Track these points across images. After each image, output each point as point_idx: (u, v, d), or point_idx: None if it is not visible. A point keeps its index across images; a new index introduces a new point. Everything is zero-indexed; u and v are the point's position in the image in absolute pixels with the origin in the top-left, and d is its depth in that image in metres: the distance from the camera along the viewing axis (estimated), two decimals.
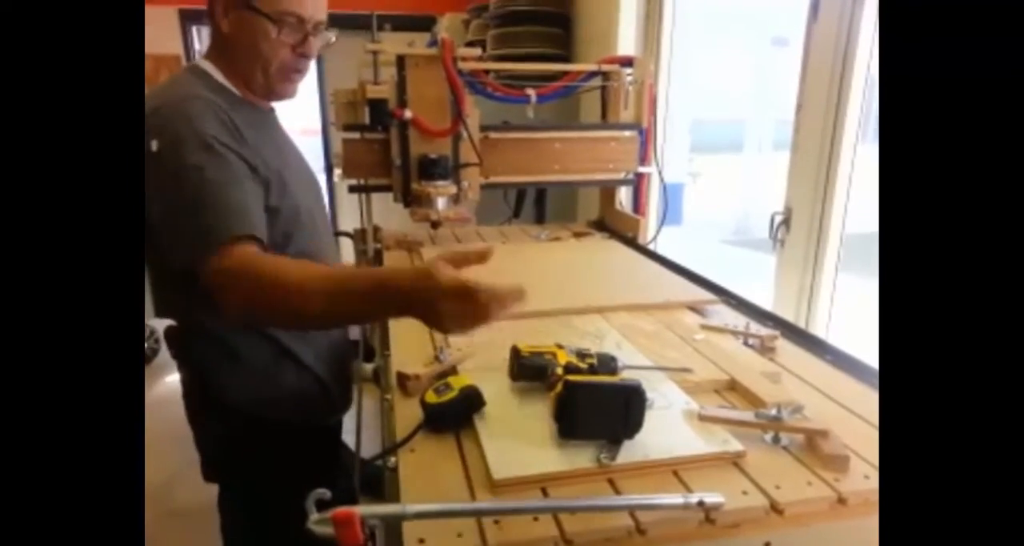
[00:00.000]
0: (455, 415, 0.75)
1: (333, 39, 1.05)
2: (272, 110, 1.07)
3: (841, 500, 0.63)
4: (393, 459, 0.71)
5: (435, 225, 1.64)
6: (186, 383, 1.05)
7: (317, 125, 4.36)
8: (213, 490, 1.12)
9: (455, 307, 0.67)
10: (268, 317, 0.85)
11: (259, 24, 0.93)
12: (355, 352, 1.22)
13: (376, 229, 1.73)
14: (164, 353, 1.22)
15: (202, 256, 0.79)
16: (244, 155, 0.89)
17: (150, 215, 0.84)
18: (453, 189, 1.60)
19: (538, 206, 2.27)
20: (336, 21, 1.05)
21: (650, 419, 0.70)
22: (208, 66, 0.98)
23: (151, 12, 4.10)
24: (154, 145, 0.83)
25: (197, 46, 4.55)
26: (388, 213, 1.86)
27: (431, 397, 0.76)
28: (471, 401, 0.76)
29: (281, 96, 1.03)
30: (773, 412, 0.73)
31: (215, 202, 0.82)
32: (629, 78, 1.81)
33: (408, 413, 0.79)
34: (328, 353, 1.11)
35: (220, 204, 0.82)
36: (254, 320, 0.91)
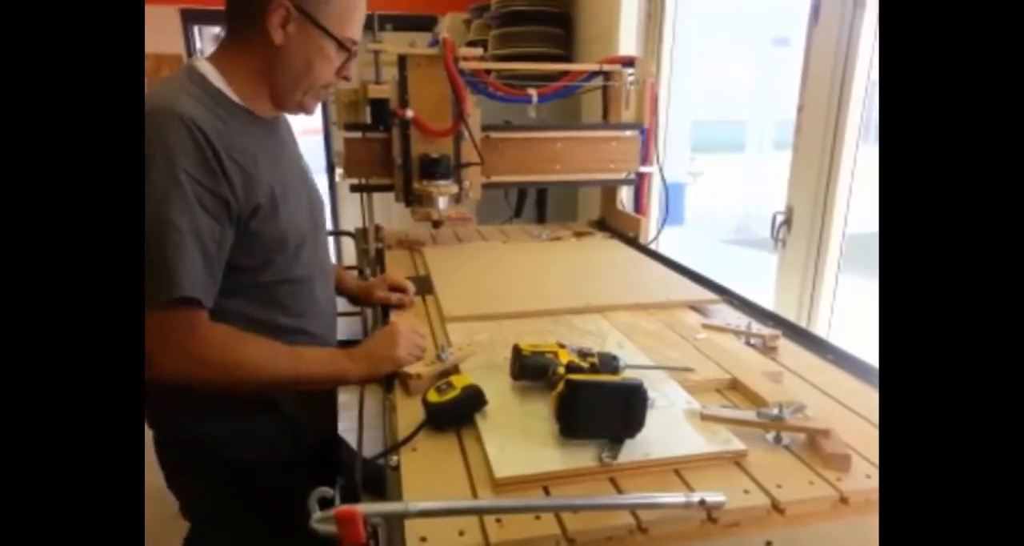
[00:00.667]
0: (457, 414, 0.75)
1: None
2: (277, 117, 0.99)
3: (843, 499, 0.63)
4: (395, 458, 0.71)
5: (436, 224, 1.64)
6: (157, 435, 0.99)
7: (319, 124, 4.37)
8: None
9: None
10: (197, 385, 0.83)
11: (322, 44, 0.89)
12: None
13: (377, 228, 1.73)
14: None
15: (149, 305, 0.76)
16: (218, 190, 0.82)
17: None
18: (454, 188, 1.60)
19: (539, 206, 2.27)
20: None
21: (652, 418, 0.70)
22: (207, 69, 0.89)
23: (153, 11, 4.11)
24: None
25: (199, 45, 4.55)
26: (389, 212, 1.86)
27: (433, 396, 0.76)
28: (473, 400, 0.76)
29: (307, 112, 0.98)
30: (775, 411, 0.73)
31: (164, 253, 0.77)
32: (630, 78, 1.81)
33: (410, 412, 0.80)
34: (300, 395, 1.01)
35: (170, 257, 0.77)
36: (180, 384, 0.84)
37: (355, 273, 1.36)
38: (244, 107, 0.90)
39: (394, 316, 1.17)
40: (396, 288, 1.24)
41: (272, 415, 0.98)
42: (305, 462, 1.04)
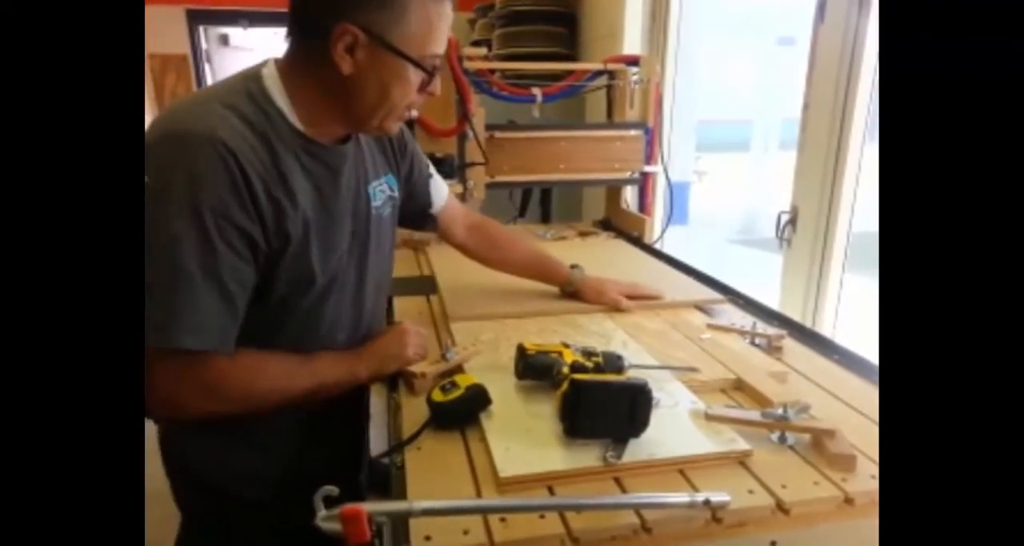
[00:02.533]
0: (461, 413, 0.76)
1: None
2: (345, 148, 0.87)
3: (848, 500, 0.63)
4: (400, 457, 0.71)
5: None
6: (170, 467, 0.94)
7: None
8: None
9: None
10: (219, 417, 0.80)
11: (398, 68, 0.77)
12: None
13: None
14: None
15: (151, 348, 0.70)
16: (246, 228, 0.74)
17: None
18: (459, 188, 1.60)
19: (544, 205, 2.27)
20: None
21: (656, 418, 0.70)
22: (274, 85, 0.79)
23: (158, 12, 4.13)
24: (147, 179, 0.70)
25: (204, 46, 4.57)
26: None
27: (438, 395, 0.76)
28: (477, 399, 0.76)
29: (389, 133, 0.89)
30: (780, 411, 0.73)
31: (174, 298, 0.71)
32: (635, 77, 1.81)
33: (415, 411, 0.80)
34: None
35: (179, 303, 0.71)
36: (203, 419, 0.81)
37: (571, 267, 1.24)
38: (303, 134, 0.80)
39: (398, 317, 1.17)
40: (633, 297, 1.20)
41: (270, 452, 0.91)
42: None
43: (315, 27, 0.75)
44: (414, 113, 0.87)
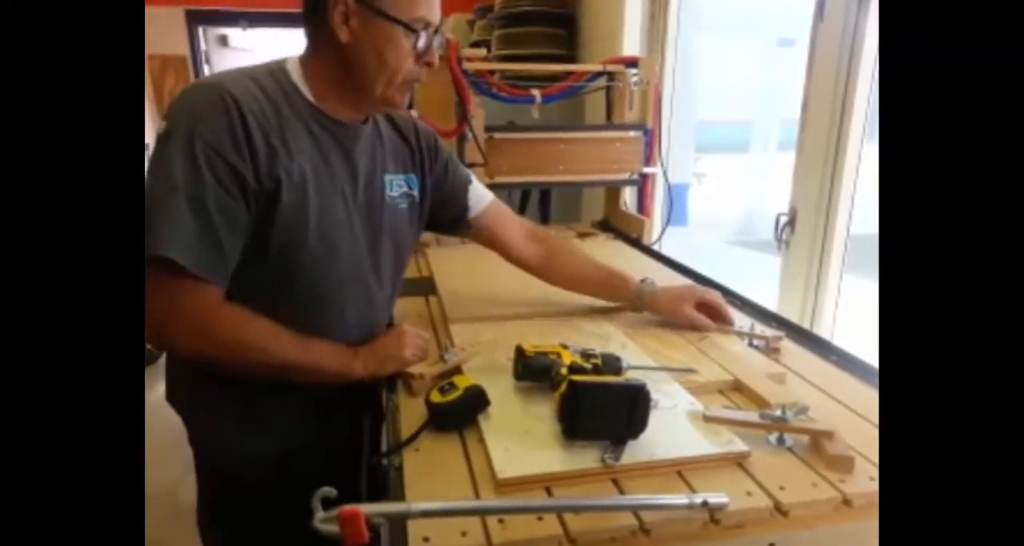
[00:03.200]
0: (460, 414, 0.76)
1: (443, 42, 0.94)
2: (359, 128, 0.93)
3: (846, 501, 0.63)
4: (398, 458, 0.71)
5: None
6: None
7: None
8: None
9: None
10: (203, 359, 0.82)
11: (390, 32, 0.83)
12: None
13: None
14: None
15: (147, 256, 0.73)
16: (237, 166, 0.79)
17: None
18: None
19: (543, 207, 2.27)
20: None
21: (655, 419, 0.70)
22: (293, 66, 0.88)
23: (158, 12, 4.13)
24: (161, 126, 0.79)
25: (203, 47, 4.57)
26: None
27: (436, 396, 0.76)
28: (476, 401, 0.76)
29: (396, 107, 0.93)
30: (778, 413, 0.73)
31: (155, 213, 0.75)
32: (634, 78, 1.81)
33: (413, 412, 0.80)
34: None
35: (160, 217, 0.75)
36: (186, 356, 0.85)
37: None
38: (317, 107, 0.88)
39: (397, 319, 1.17)
40: (705, 305, 1.08)
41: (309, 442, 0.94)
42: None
43: (316, 4, 0.84)
44: (415, 84, 0.92)
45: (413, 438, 0.73)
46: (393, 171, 0.99)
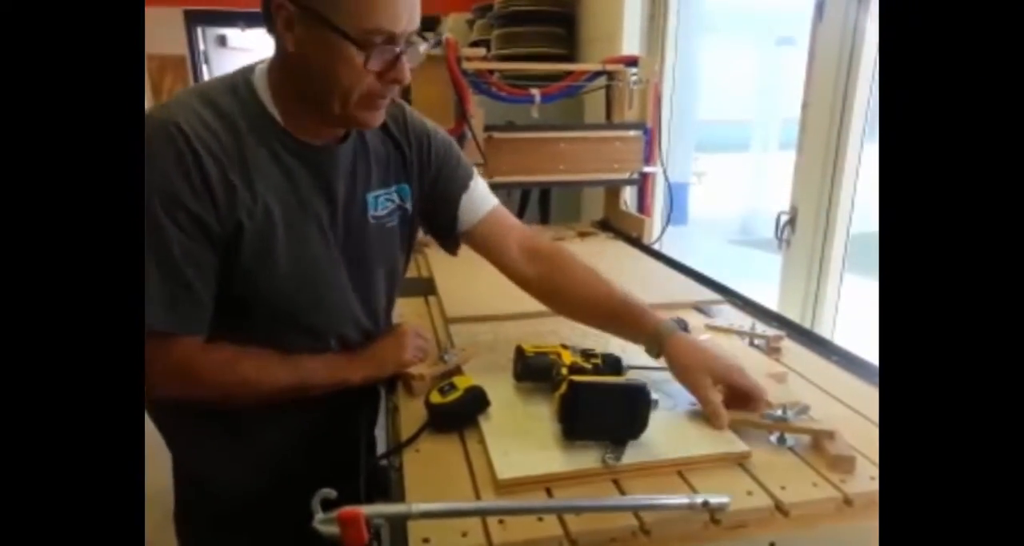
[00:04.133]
0: (460, 415, 0.75)
1: (423, 50, 0.80)
2: (339, 143, 0.83)
3: (847, 501, 0.63)
4: (398, 459, 0.71)
5: None
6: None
7: None
8: None
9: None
10: (196, 401, 0.80)
11: (338, 47, 0.70)
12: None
13: None
14: None
15: None
16: (193, 208, 0.71)
17: None
18: None
19: (542, 206, 2.27)
20: None
21: (655, 419, 0.70)
22: (261, 83, 0.78)
23: (157, 13, 4.12)
24: None
25: (201, 47, 4.57)
26: None
27: (436, 397, 0.76)
28: (476, 402, 0.76)
29: (364, 126, 0.81)
30: (779, 413, 0.72)
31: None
32: (634, 78, 1.81)
33: (413, 413, 0.79)
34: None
35: (149, 286, 0.70)
36: (181, 401, 0.81)
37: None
38: (284, 129, 0.78)
39: (396, 319, 1.16)
40: (740, 391, 0.77)
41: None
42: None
43: (265, 6, 0.73)
44: (386, 100, 0.80)
45: (413, 439, 0.73)
46: (379, 186, 0.89)
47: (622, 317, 0.89)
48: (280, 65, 0.78)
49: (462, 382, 0.77)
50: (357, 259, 0.89)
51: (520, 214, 2.27)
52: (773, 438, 0.73)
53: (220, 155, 0.73)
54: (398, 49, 0.73)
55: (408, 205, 0.94)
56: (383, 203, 0.90)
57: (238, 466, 0.90)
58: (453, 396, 0.75)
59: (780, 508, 0.62)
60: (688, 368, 0.79)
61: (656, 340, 0.83)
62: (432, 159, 0.95)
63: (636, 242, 1.78)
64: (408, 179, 0.93)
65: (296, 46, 0.73)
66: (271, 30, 0.74)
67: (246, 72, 0.80)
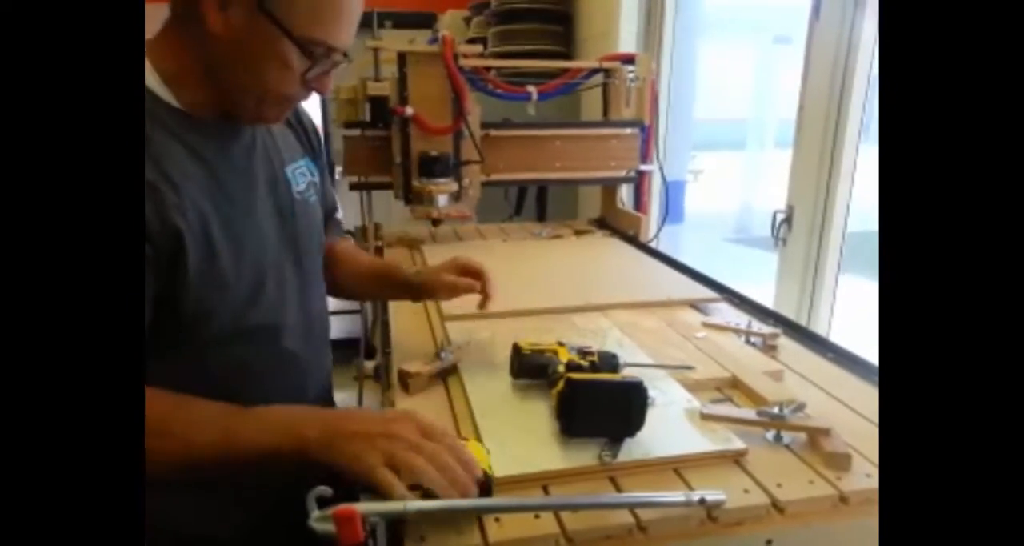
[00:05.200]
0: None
1: (344, 66, 0.74)
2: (243, 124, 0.76)
3: (843, 498, 0.63)
4: None
5: (436, 223, 1.64)
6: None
7: (318, 122, 4.36)
8: None
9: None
10: None
11: (274, 42, 0.65)
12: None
13: (377, 227, 1.73)
14: None
15: None
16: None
17: None
18: (454, 186, 1.59)
19: (539, 204, 2.27)
20: None
21: (652, 417, 0.70)
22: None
23: (156, 12, 4.10)
24: None
25: None
26: (389, 210, 1.86)
27: None
28: (479, 489, 0.58)
29: (267, 122, 0.76)
30: (775, 410, 0.73)
31: None
32: (631, 75, 1.81)
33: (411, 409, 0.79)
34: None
35: None
36: None
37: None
38: (180, 110, 0.69)
39: (393, 317, 1.16)
40: (469, 272, 0.95)
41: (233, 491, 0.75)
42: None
43: None
44: (296, 103, 0.77)
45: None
46: (291, 160, 0.82)
47: (387, 275, 1.01)
48: (183, 35, 0.68)
49: (475, 455, 0.61)
50: (294, 246, 0.81)
51: (517, 211, 2.27)
52: (769, 436, 0.73)
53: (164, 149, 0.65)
54: (335, 63, 0.71)
55: (317, 180, 0.87)
56: (299, 178, 0.83)
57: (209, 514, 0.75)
58: None
59: (776, 505, 0.62)
60: (432, 276, 0.95)
61: (408, 281, 0.98)
62: (315, 130, 0.92)
63: (633, 240, 1.78)
64: (307, 153, 0.88)
65: (226, 30, 0.65)
66: (182, 2, 0.66)
67: None
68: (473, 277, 0.94)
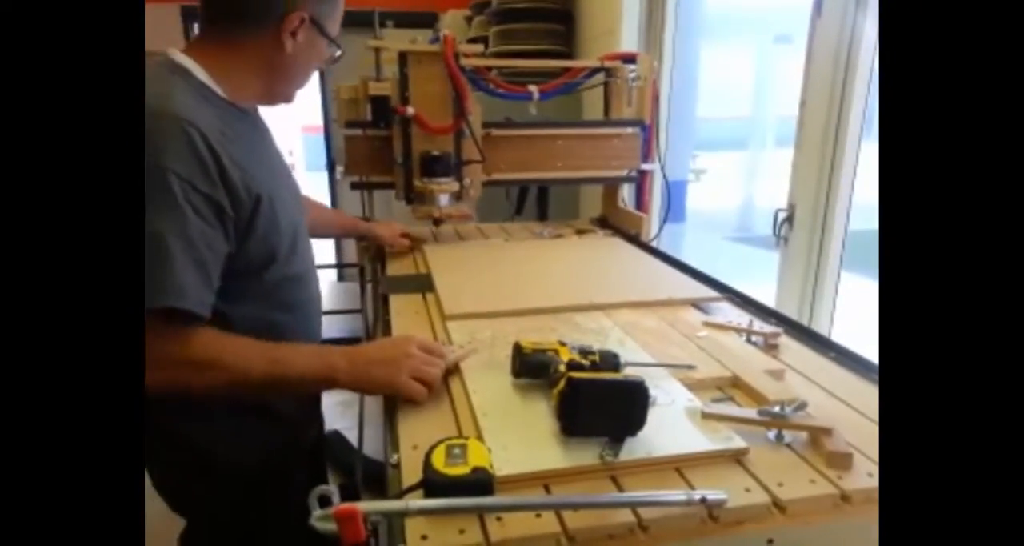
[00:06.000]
0: (455, 493, 0.60)
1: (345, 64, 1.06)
2: (256, 110, 0.99)
3: (844, 497, 0.63)
4: (396, 455, 0.70)
5: (437, 222, 1.64)
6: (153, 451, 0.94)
7: (319, 122, 4.36)
8: None
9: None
10: (182, 389, 0.79)
11: (322, 48, 0.95)
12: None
13: None
14: None
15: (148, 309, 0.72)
16: (214, 195, 0.79)
17: None
18: (455, 186, 1.60)
19: (540, 203, 2.26)
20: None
21: (653, 416, 0.70)
22: (188, 62, 0.87)
23: (153, 10, 4.11)
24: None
25: None
26: (390, 210, 1.86)
27: (438, 459, 0.63)
28: (477, 488, 0.61)
29: (288, 101, 1.00)
30: (776, 409, 0.72)
31: (152, 264, 0.73)
32: (632, 75, 1.81)
33: (411, 411, 0.79)
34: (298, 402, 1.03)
35: (157, 268, 0.73)
36: (166, 392, 0.77)
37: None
38: (228, 101, 0.89)
39: (394, 316, 1.16)
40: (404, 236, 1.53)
41: (263, 418, 0.96)
42: (296, 462, 1.03)
43: (267, 13, 0.87)
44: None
45: (409, 491, 0.62)
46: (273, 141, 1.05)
47: (348, 229, 1.58)
48: (249, 54, 0.90)
49: (474, 454, 0.64)
50: (298, 204, 1.05)
51: (518, 211, 2.27)
52: (771, 435, 0.73)
53: (221, 139, 0.81)
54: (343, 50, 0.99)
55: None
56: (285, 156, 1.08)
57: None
58: (456, 470, 0.62)
59: (778, 505, 0.62)
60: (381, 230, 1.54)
61: (357, 228, 1.54)
62: None
63: (634, 239, 1.78)
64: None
65: (294, 48, 0.90)
66: (262, 28, 0.88)
67: (167, 62, 0.87)
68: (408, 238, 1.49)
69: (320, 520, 0.51)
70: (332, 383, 0.80)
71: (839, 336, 1.19)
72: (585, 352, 0.83)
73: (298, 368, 0.80)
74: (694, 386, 0.84)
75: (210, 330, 0.80)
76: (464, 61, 1.57)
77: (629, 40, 2.33)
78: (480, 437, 0.72)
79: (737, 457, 0.69)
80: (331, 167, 3.92)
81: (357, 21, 1.74)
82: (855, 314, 1.64)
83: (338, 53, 0.98)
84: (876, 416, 0.78)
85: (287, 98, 0.99)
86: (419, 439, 0.73)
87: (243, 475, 0.94)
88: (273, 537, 0.97)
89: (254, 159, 0.88)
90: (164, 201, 0.74)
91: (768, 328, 1.04)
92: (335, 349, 0.82)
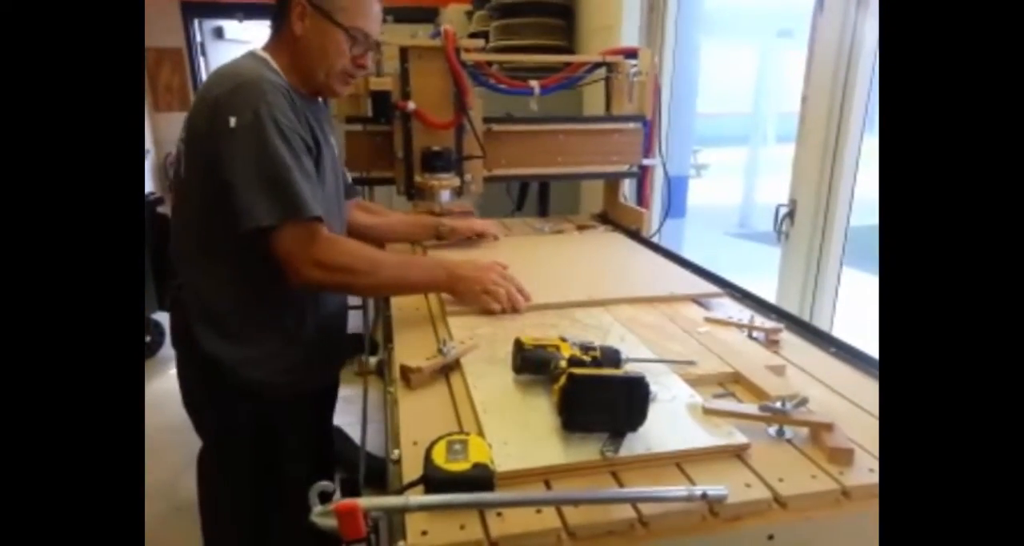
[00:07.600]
0: (455, 489, 0.60)
1: (379, 56, 1.22)
2: (318, 100, 1.20)
3: (845, 493, 0.63)
4: (396, 451, 0.70)
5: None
6: (184, 368, 1.17)
7: None
8: None
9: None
10: (339, 285, 1.09)
11: (333, 33, 1.08)
12: (345, 324, 1.34)
13: None
14: (167, 348, 1.25)
15: (282, 222, 0.98)
16: (306, 137, 1.05)
17: (230, 178, 0.99)
18: (456, 182, 1.59)
19: (541, 199, 2.26)
20: None
21: (654, 412, 0.70)
22: (266, 56, 1.10)
23: (153, 5, 4.09)
24: (232, 121, 0.97)
25: (198, 38, 4.54)
26: (391, 206, 1.86)
27: (439, 455, 0.63)
28: (478, 484, 0.61)
29: (334, 95, 1.19)
30: (777, 405, 0.72)
31: (290, 184, 0.99)
32: (633, 70, 1.80)
33: (412, 406, 0.79)
34: (318, 327, 1.21)
35: (295, 187, 0.99)
36: (324, 285, 1.08)
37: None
38: (297, 89, 1.11)
39: (395, 311, 1.16)
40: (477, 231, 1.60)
41: (288, 346, 1.15)
42: (312, 392, 1.24)
43: (282, 5, 1.10)
44: (353, 79, 1.17)
45: (409, 487, 0.62)
46: (331, 132, 1.23)
47: (419, 223, 1.59)
48: (285, 47, 1.11)
49: (475, 450, 0.64)
50: (338, 191, 1.26)
51: (519, 206, 2.27)
52: (772, 430, 0.73)
53: (297, 106, 1.06)
54: (369, 45, 1.14)
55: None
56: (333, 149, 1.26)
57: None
58: (457, 466, 0.62)
59: (778, 500, 0.62)
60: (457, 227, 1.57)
61: (436, 228, 1.56)
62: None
63: (635, 235, 1.77)
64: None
65: (303, 32, 1.09)
66: (281, 18, 1.09)
67: (254, 54, 1.12)
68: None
69: (320, 516, 0.51)
70: (438, 289, 1.14)
71: (840, 332, 1.19)
72: (586, 348, 0.83)
73: (420, 278, 1.12)
74: (695, 382, 0.84)
75: (343, 238, 1.12)
76: (465, 56, 1.56)
77: (630, 35, 2.32)
78: (481, 433, 0.72)
79: (738, 453, 0.69)
80: None
81: None
82: (856, 310, 1.64)
83: (356, 47, 1.10)
84: (876, 411, 0.78)
85: (326, 87, 1.14)
86: (420, 435, 0.73)
87: (263, 394, 1.12)
88: (288, 465, 1.13)
89: (317, 129, 1.11)
90: (285, 145, 0.99)
91: (769, 324, 1.04)
92: (440, 264, 1.15)
